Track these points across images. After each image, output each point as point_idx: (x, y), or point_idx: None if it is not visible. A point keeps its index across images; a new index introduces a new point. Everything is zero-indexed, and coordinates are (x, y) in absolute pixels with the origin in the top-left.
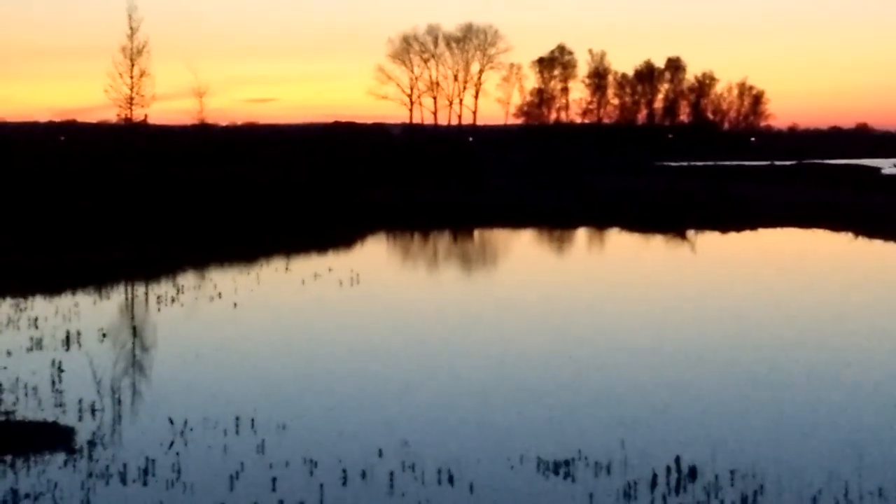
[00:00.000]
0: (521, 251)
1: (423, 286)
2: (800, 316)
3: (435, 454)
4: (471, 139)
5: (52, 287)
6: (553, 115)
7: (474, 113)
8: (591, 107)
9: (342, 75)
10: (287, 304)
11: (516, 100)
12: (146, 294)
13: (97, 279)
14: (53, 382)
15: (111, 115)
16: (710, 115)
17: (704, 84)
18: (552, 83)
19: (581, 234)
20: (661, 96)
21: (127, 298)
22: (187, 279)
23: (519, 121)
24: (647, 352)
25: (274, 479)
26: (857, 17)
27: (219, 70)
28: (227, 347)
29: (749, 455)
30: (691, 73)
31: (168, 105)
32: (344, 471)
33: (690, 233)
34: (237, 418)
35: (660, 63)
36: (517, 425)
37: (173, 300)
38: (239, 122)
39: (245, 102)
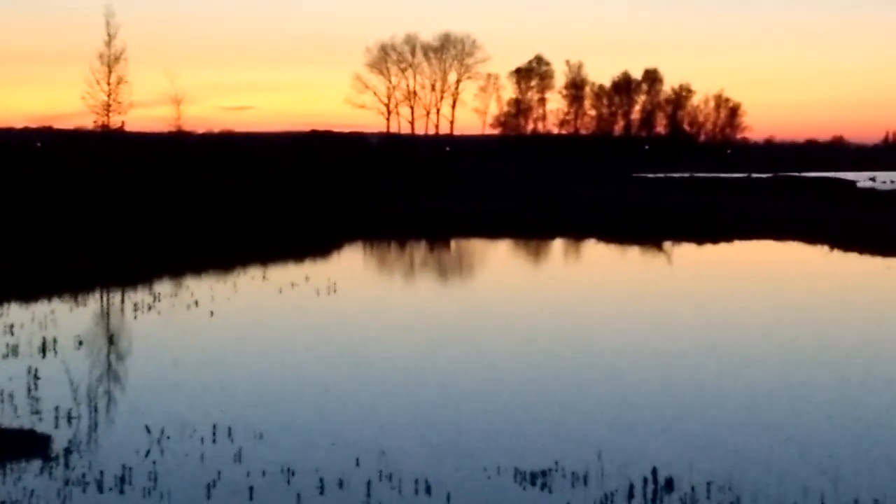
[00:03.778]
0: (497, 262)
1: (400, 296)
2: (777, 329)
3: (412, 464)
4: (448, 149)
5: (28, 293)
6: (530, 126)
7: (451, 123)
8: (568, 118)
9: (319, 84)
10: (264, 312)
11: (493, 110)
12: (123, 301)
13: (73, 286)
14: (30, 389)
15: (88, 122)
16: (687, 127)
17: (681, 96)
18: (529, 94)
19: (558, 244)
20: (637, 107)
21: (103, 306)
22: (164, 287)
23: (496, 131)
24: (624, 363)
25: (251, 488)
26: (834, 32)
27: (196, 77)
28: (203, 355)
29: (725, 467)
30: (668, 85)
31: (145, 112)
32: (321, 480)
33: (667, 244)
34: (214, 426)
35: (637, 74)
36: (494, 435)
37: (150, 308)
38: (216, 130)
39: (222, 110)
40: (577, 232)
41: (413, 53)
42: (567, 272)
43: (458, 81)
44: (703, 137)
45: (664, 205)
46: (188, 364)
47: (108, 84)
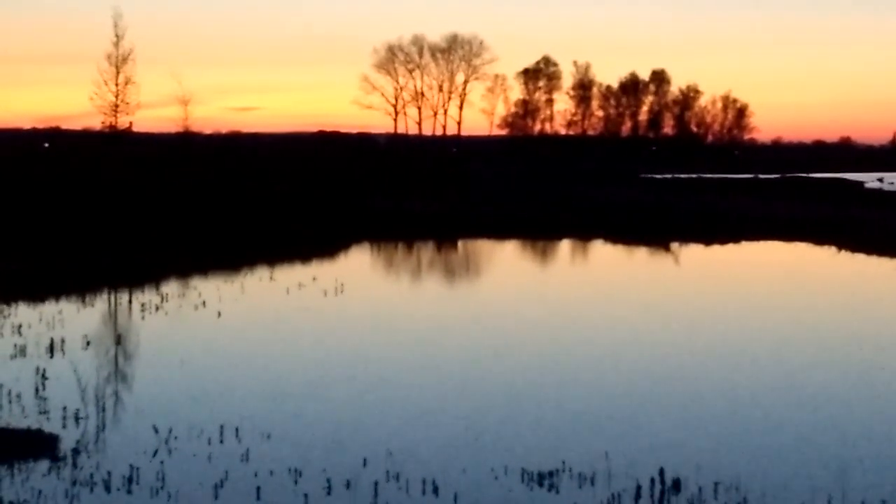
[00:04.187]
0: (504, 262)
1: (408, 297)
2: (785, 330)
3: (419, 464)
4: (455, 149)
5: (36, 294)
6: (537, 127)
7: (459, 123)
8: (575, 118)
9: (327, 85)
10: (271, 313)
11: (501, 111)
12: (130, 302)
13: (81, 286)
14: (37, 390)
15: (96, 123)
16: (695, 128)
17: (689, 97)
18: (537, 94)
19: (565, 245)
20: (645, 108)
21: (111, 306)
22: (171, 287)
23: (503, 132)
24: (632, 363)
25: (258, 488)
26: (842, 32)
27: (203, 78)
28: (211, 356)
29: (733, 468)
30: (676, 86)
31: (153, 113)
32: (328, 480)
33: (674, 245)
34: (222, 427)
35: (644, 75)
36: (502, 436)
37: (157, 308)
38: (223, 131)
39: (229, 111)
40: (584, 232)
41: (420, 54)
42: (574, 273)
43: (465, 82)
44: (710, 138)
45: (671, 205)
46: (196, 364)
47: (116, 85)
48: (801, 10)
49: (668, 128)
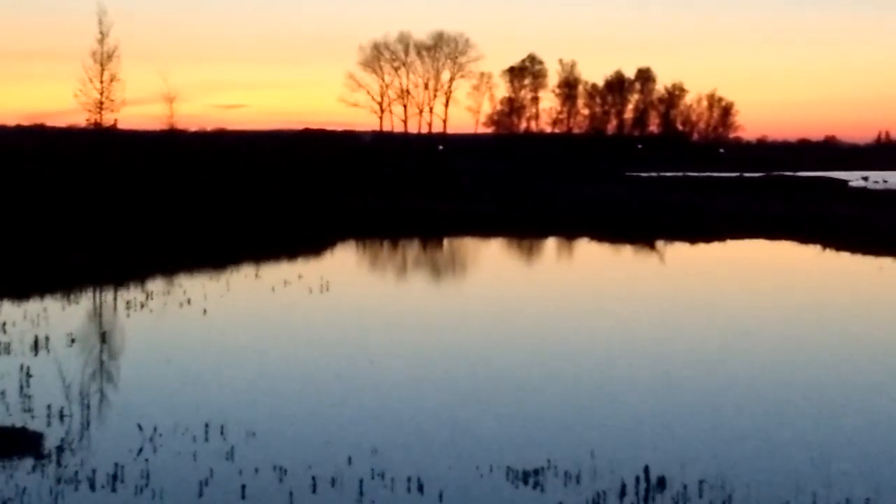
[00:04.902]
0: (490, 260)
1: (393, 294)
2: (770, 328)
3: (405, 462)
4: (441, 147)
5: (21, 291)
6: (523, 125)
7: (444, 121)
8: (561, 116)
9: (313, 82)
10: (257, 310)
11: (486, 108)
12: (115, 299)
13: (66, 284)
14: (22, 387)
15: (80, 120)
16: (680, 126)
17: (674, 95)
18: (522, 92)
19: (550, 243)
20: (630, 107)
21: (96, 304)
22: (157, 285)
23: (489, 130)
24: (617, 361)
25: (243, 486)
26: (827, 31)
27: (189, 75)
28: (196, 354)
29: (717, 466)
30: (661, 84)
31: (138, 110)
32: (313, 478)
33: (659, 243)
34: (207, 425)
35: (630, 73)
36: (487, 434)
37: (142, 306)
38: (209, 128)
39: (215, 108)
40: (569, 231)
41: (406, 52)
42: (559, 271)
43: (451, 80)
44: (695, 136)
45: (656, 203)
46: (181, 362)
47: (101, 82)
48: (785, 9)
49: (653, 126)
